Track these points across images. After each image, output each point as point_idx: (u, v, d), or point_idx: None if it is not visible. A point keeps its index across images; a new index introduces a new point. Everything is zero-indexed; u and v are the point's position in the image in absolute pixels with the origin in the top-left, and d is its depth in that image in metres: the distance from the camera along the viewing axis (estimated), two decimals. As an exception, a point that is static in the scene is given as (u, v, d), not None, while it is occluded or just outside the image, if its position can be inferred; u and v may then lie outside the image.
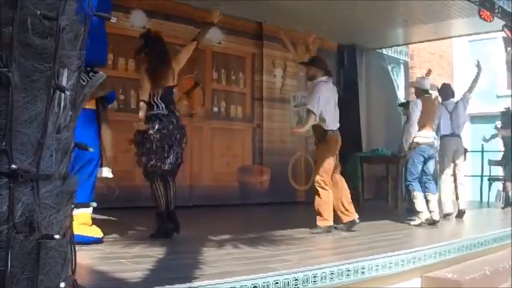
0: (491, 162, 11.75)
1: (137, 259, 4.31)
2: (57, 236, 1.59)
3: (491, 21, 7.55)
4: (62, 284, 1.68)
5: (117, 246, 4.91)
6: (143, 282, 3.52)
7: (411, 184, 7.30)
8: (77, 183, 1.74)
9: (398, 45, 12.19)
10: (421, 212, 7.21)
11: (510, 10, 7.26)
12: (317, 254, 4.98)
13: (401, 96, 12.51)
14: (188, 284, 3.43)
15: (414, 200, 7.30)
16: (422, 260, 5.41)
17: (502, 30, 8.11)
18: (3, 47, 1.54)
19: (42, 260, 1.60)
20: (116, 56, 8.55)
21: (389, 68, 12.32)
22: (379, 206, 10.42)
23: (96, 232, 4.98)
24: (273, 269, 4.07)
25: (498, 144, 11.50)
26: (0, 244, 1.54)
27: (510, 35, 8.12)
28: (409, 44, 12.22)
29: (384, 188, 10.73)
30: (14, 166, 1.54)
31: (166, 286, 3.34)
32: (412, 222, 7.26)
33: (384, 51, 12.21)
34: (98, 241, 4.98)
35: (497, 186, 13.50)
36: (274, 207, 9.67)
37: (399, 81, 12.56)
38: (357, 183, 10.24)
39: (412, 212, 7.49)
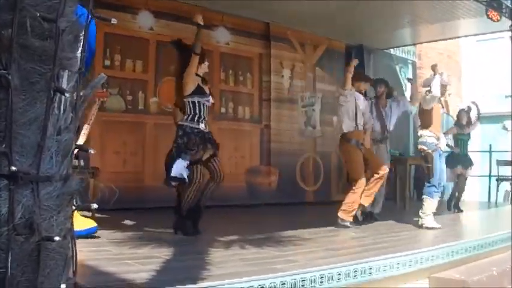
0: (500, 163, 11.70)
1: (144, 260, 4.32)
2: (57, 238, 1.59)
3: (498, 20, 7.53)
4: (63, 286, 1.68)
5: (125, 247, 4.92)
6: (150, 283, 3.52)
7: None
8: (77, 185, 1.74)
9: (406, 46, 12.14)
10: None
11: (517, 10, 7.22)
12: (324, 255, 4.94)
13: (409, 96, 12.44)
14: (192, 286, 3.43)
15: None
16: (430, 260, 5.41)
17: (510, 30, 8.07)
18: (3, 49, 1.54)
19: (43, 262, 1.60)
20: (124, 57, 8.56)
21: (397, 68, 12.28)
22: (387, 207, 10.34)
23: (90, 223, 5.04)
24: (280, 269, 4.07)
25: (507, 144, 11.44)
26: (0, 246, 1.54)
27: (517, 35, 8.09)
28: (417, 44, 12.18)
29: (392, 188, 10.67)
30: (13, 168, 1.54)
31: (175, 287, 3.35)
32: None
33: (392, 51, 12.17)
34: (94, 231, 5.05)
35: (506, 186, 13.47)
36: (282, 208, 9.65)
37: (407, 82, 12.51)
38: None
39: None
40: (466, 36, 11.60)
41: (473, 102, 9.87)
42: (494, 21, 7.48)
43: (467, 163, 9.61)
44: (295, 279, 3.98)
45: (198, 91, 5.78)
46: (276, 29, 10.43)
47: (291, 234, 6.12)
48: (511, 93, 13.55)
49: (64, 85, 1.64)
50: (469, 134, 9.66)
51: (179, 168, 5.64)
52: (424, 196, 7.09)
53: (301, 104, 10.97)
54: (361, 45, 11.40)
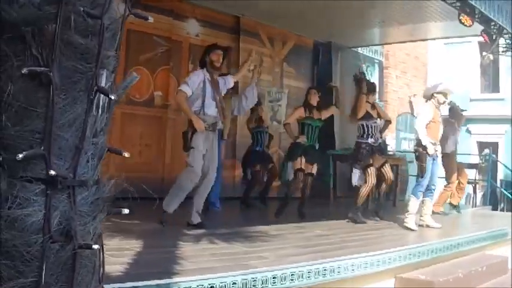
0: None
1: (115, 252, 4.21)
2: (95, 246, 1.52)
3: (471, 26, 7.60)
4: (92, 294, 1.61)
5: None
6: (125, 276, 3.48)
7: None
8: (109, 189, 1.66)
9: (375, 45, 12.23)
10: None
11: (490, 15, 7.32)
12: (293, 252, 4.96)
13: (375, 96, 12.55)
14: (169, 280, 3.45)
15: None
16: (397, 261, 5.47)
17: (480, 35, 8.19)
18: (44, 45, 1.45)
19: (76, 270, 1.52)
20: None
21: (364, 67, 12.35)
22: (350, 204, 10.44)
23: None
24: (251, 266, 4.09)
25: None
26: (35, 254, 1.45)
27: (488, 40, 8.20)
28: (385, 44, 12.29)
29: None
30: (52, 172, 1.45)
31: (152, 281, 3.34)
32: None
33: (359, 50, 12.25)
34: None
35: (468, 189, 13.75)
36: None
37: (373, 81, 12.59)
38: (328, 181, 10.26)
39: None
40: (435, 39, 11.74)
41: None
42: (466, 26, 7.55)
43: None
44: (266, 276, 4.01)
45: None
46: (246, 23, 10.35)
47: (258, 230, 6.12)
48: (477, 97, 13.84)
49: (103, 85, 1.55)
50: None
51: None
52: (410, 195, 7.23)
53: (268, 98, 10.93)
54: (329, 43, 11.43)
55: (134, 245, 4.63)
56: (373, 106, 7.58)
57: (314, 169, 7.49)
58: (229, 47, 7.05)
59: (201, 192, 6.08)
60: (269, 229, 6.22)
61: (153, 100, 8.94)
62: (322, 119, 7.59)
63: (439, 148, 7.27)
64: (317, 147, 7.55)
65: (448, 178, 9.58)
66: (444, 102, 7.36)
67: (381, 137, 7.92)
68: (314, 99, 7.51)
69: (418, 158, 7.15)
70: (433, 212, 9.37)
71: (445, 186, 9.77)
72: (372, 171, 7.26)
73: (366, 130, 7.38)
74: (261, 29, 10.64)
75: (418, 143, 7.18)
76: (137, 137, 8.67)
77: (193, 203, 6.00)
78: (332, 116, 10.76)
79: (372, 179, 7.28)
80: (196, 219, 5.97)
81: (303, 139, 7.37)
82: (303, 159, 7.28)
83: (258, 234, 5.83)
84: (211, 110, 5.99)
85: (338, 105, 7.85)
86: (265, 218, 7.72)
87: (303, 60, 11.36)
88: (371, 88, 7.57)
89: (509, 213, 11.36)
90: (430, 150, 6.99)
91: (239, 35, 10.32)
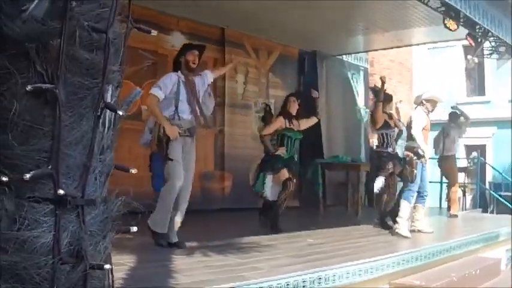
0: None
1: (108, 267, 4.15)
2: (107, 266, 1.47)
3: (455, 30, 7.63)
4: (101, 315, 1.56)
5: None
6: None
7: None
8: (117, 208, 1.62)
9: (359, 52, 12.27)
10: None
11: (475, 19, 7.35)
12: (286, 262, 4.93)
13: (360, 103, 12.61)
14: None
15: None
16: (391, 267, 5.46)
17: (466, 38, 8.23)
18: (49, 61, 1.41)
19: (88, 292, 1.48)
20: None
21: (350, 74, 12.39)
22: (339, 213, 10.47)
23: None
24: (246, 277, 4.06)
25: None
26: (45, 276, 1.40)
27: (473, 43, 8.25)
28: (370, 51, 12.30)
29: (344, 194, 10.76)
30: (61, 191, 1.40)
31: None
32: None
33: (344, 57, 12.25)
34: None
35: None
36: (235, 213, 9.56)
37: (359, 88, 12.63)
38: (317, 190, 10.26)
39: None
40: (420, 44, 11.79)
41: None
42: (451, 30, 7.57)
43: None
44: (261, 286, 3.97)
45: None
46: (231, 34, 10.33)
47: (250, 240, 6.09)
48: (463, 101, 13.92)
49: (109, 100, 1.51)
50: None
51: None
52: (401, 200, 7.20)
53: (254, 109, 10.91)
54: (314, 52, 11.44)
55: (128, 260, 4.56)
56: (390, 116, 7.71)
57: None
58: (204, 45, 6.41)
59: (181, 208, 5.57)
60: (261, 240, 6.18)
61: (141, 114, 8.87)
62: (302, 129, 7.30)
63: (427, 155, 7.33)
64: (296, 159, 7.33)
65: (452, 180, 10.05)
66: (433, 110, 7.41)
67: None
68: (293, 108, 7.20)
69: (408, 163, 7.16)
70: (451, 215, 9.91)
71: (452, 188, 10.06)
72: (394, 178, 7.50)
73: (386, 139, 7.59)
74: (246, 40, 10.63)
75: (408, 148, 7.21)
76: (126, 151, 8.60)
77: (173, 221, 5.48)
78: (319, 125, 10.84)
79: (395, 186, 7.52)
80: (174, 237, 5.47)
81: (282, 151, 7.10)
82: (286, 171, 7.02)
83: (250, 245, 5.79)
84: (186, 114, 5.55)
85: (319, 116, 7.64)
86: (256, 229, 7.67)
87: (289, 70, 11.37)
88: (387, 98, 7.64)
89: (499, 215, 11.48)
90: (427, 155, 7.08)
91: (224, 47, 10.30)
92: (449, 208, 10.34)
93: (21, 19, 1.40)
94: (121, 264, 4.30)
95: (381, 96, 7.40)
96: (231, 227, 8.24)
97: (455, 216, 10.03)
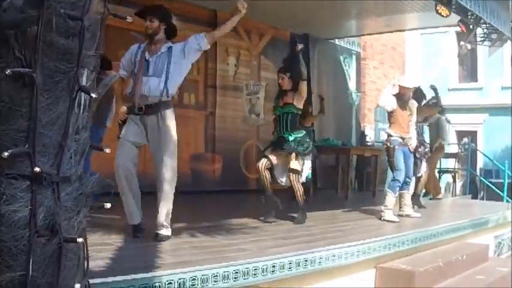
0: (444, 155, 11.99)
1: (97, 247, 4.22)
2: (80, 240, 1.57)
3: (448, 16, 7.65)
4: (77, 286, 1.66)
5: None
6: (108, 271, 3.49)
7: None
8: (92, 184, 1.71)
9: (352, 36, 12.29)
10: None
11: (466, 6, 7.35)
12: (273, 244, 5.01)
13: (352, 87, 12.66)
14: (151, 274, 3.47)
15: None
16: (377, 250, 5.53)
17: (458, 25, 8.26)
18: (27, 47, 1.49)
19: (62, 263, 1.58)
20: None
21: (342, 58, 12.42)
22: (329, 196, 10.54)
23: None
24: (232, 258, 4.13)
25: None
26: (21, 249, 1.50)
27: (465, 30, 8.28)
28: (362, 35, 12.31)
29: (334, 177, 10.83)
30: (37, 169, 1.50)
31: (136, 275, 3.37)
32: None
33: (337, 41, 12.28)
34: None
35: (447, 178, 13.94)
36: (226, 195, 9.66)
37: (351, 72, 12.67)
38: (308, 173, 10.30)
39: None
40: (412, 29, 11.81)
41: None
42: (443, 16, 7.59)
43: None
44: (248, 267, 4.06)
45: None
46: (223, 17, 10.29)
47: (238, 222, 6.18)
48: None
49: (84, 83, 1.60)
50: None
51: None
52: (386, 190, 7.27)
53: (245, 91, 10.97)
54: (306, 35, 11.45)
55: (115, 240, 4.65)
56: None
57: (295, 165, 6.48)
58: (153, 5, 5.30)
59: (165, 197, 4.89)
60: (249, 222, 6.27)
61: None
62: (294, 103, 6.53)
63: (410, 141, 7.29)
64: (292, 138, 6.45)
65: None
66: (404, 95, 7.17)
67: None
68: (283, 83, 6.60)
69: (387, 153, 7.24)
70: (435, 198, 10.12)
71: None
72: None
73: (420, 129, 8.49)
74: (238, 23, 10.63)
75: (387, 139, 7.28)
76: (116, 132, 8.64)
77: (159, 212, 4.85)
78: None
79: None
80: (166, 231, 4.90)
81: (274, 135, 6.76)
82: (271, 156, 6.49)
83: (238, 227, 5.88)
84: (147, 88, 4.76)
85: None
86: (243, 210, 7.76)
87: (281, 53, 11.38)
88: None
89: (489, 201, 11.60)
90: (412, 141, 7.31)
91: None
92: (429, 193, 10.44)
93: (1, 8, 1.48)
94: (109, 244, 4.39)
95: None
96: (220, 209, 8.32)
97: (439, 199, 10.16)
